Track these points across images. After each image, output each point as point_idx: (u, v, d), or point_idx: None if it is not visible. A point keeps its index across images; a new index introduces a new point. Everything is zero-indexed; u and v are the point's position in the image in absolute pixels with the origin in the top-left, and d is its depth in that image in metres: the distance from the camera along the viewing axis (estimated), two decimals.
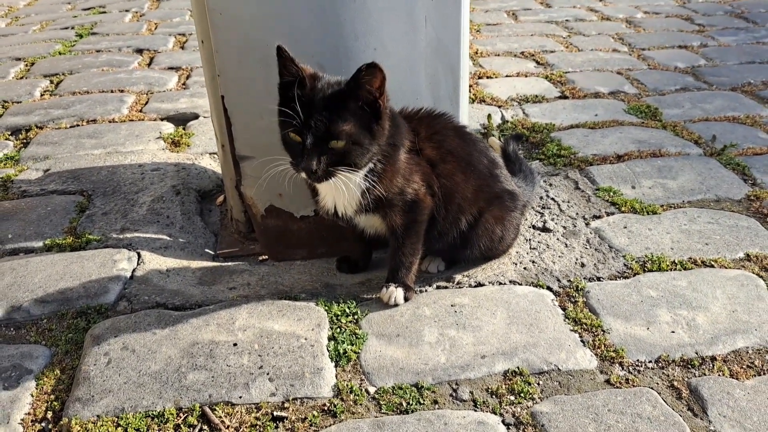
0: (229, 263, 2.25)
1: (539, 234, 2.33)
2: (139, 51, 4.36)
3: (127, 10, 5.43)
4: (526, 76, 3.85)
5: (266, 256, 2.34)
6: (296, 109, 1.61)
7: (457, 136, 1.98)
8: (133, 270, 2.11)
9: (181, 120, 3.31)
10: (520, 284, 2.04)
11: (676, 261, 2.13)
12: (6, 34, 4.97)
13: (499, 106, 3.43)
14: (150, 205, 2.48)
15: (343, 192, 1.79)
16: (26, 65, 4.16)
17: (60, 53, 4.36)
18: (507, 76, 3.87)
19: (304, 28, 1.97)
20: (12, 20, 5.44)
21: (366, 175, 1.75)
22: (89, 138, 3.08)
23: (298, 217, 2.27)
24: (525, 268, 2.13)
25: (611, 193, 2.57)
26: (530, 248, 2.25)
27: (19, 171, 2.79)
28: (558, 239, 2.30)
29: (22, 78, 3.95)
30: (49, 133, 3.17)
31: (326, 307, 1.91)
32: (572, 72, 3.88)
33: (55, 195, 2.56)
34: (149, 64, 4.13)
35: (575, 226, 2.37)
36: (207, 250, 2.34)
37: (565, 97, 3.54)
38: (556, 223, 2.39)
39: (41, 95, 3.66)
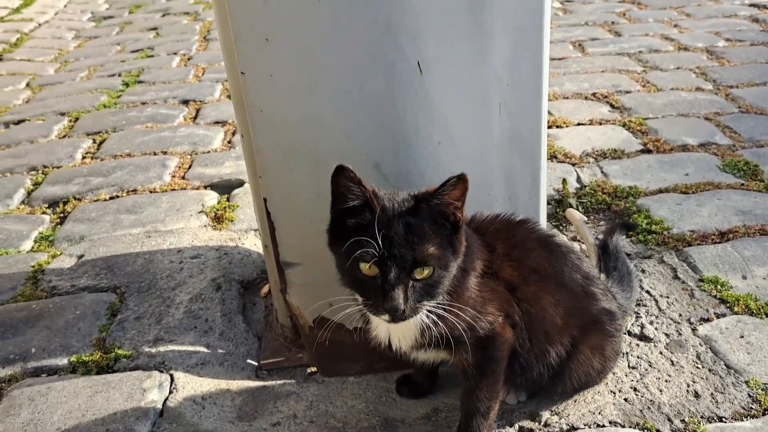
0: (274, 382, 1.96)
1: (637, 345, 1.96)
2: (185, 102, 4.16)
3: (174, 53, 5.28)
4: (601, 124, 3.46)
5: (315, 369, 2.04)
6: (374, 236, 1.32)
7: (542, 249, 1.64)
8: (165, 400, 1.84)
9: (226, 188, 3.07)
10: (623, 426, 1.67)
11: None
12: (54, 82, 4.87)
13: (573, 164, 3.05)
14: (187, 306, 2.22)
15: (399, 325, 1.48)
16: (70, 121, 4.01)
17: (105, 106, 4.20)
18: (579, 124, 3.49)
19: (358, 126, 1.68)
20: (61, 65, 5.35)
21: (428, 309, 1.43)
22: (128, 213, 2.87)
23: (352, 329, 1.97)
24: (626, 399, 1.76)
25: (718, 286, 2.17)
26: (629, 367, 1.88)
27: (52, 257, 2.58)
28: (662, 353, 1.92)
29: (64, 137, 3.80)
30: (86, 206, 2.97)
31: None
32: (653, 118, 3.47)
33: (87, 293, 2.33)
34: (194, 118, 3.92)
35: (680, 334, 1.99)
36: (249, 361, 2.06)
37: (649, 151, 3.13)
38: (656, 329, 2.02)
39: (82, 158, 3.49)
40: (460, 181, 1.34)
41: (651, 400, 1.75)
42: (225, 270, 2.40)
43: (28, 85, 4.87)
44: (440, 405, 1.82)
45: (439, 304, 1.42)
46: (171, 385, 1.90)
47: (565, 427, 1.68)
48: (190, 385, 1.90)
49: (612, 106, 3.68)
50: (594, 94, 3.83)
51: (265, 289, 2.39)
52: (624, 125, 3.41)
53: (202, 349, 2.06)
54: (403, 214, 1.37)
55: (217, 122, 3.81)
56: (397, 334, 1.54)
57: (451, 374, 1.91)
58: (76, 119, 4.03)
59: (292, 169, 1.74)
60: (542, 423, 1.70)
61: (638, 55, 4.47)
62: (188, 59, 5.10)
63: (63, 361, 2.02)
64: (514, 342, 1.59)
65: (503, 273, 1.57)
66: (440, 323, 1.44)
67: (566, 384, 1.69)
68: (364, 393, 1.90)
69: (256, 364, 2.05)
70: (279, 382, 1.97)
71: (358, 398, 1.88)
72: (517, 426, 1.71)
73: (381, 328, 1.57)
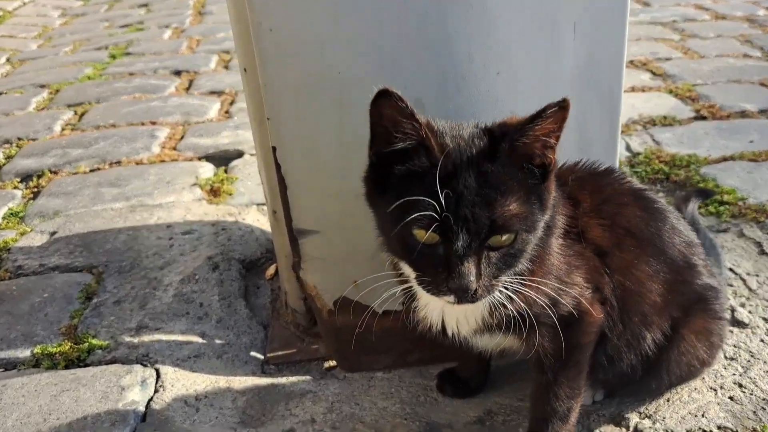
0: (284, 378, 1.59)
1: (731, 331, 1.59)
2: (177, 73, 3.78)
3: (166, 26, 4.89)
4: (644, 91, 3.09)
5: (334, 362, 1.67)
6: (434, 192, 0.95)
7: (637, 205, 1.27)
8: (149, 401, 1.46)
9: (223, 159, 2.69)
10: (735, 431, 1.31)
11: None
12: (35, 57, 4.49)
13: (621, 132, 2.68)
14: (178, 288, 1.84)
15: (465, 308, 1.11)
16: (50, 93, 3.62)
17: (89, 78, 3.81)
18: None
19: (396, 49, 1.30)
20: (45, 41, 4.97)
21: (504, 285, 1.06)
22: (110, 186, 2.48)
23: (381, 313, 1.59)
24: (732, 398, 1.39)
25: None
26: (727, 358, 1.51)
27: (21, 234, 2.20)
28: (763, 341, 1.56)
29: (43, 109, 3.41)
30: (63, 179, 2.58)
31: None
32: (702, 84, 3.10)
33: (57, 273, 1.95)
34: (188, 89, 3.54)
35: None
36: (253, 354, 1.69)
37: (703, 118, 2.77)
38: (750, 312, 1.65)
39: (62, 130, 3.10)
40: (561, 109, 0.96)
41: (764, 398, 1.38)
42: (223, 247, 2.03)
43: (8, 60, 4.48)
44: (494, 406, 1.45)
45: (518, 274, 1.05)
46: (157, 383, 1.52)
47: None
48: (181, 382, 1.53)
49: (653, 73, 3.31)
50: (632, 62, 3.46)
51: (271, 270, 2.02)
52: (670, 92, 3.04)
53: (196, 338, 1.68)
54: (474, 159, 0.99)
55: (213, 92, 3.43)
56: (455, 315, 1.17)
57: (503, 368, 1.54)
58: (57, 91, 3.64)
59: (308, 108, 1.36)
60: (631, 429, 1.33)
61: (672, 24, 4.10)
62: (181, 32, 4.72)
63: (24, 353, 1.64)
64: (604, 323, 1.22)
65: (591, 234, 1.20)
66: (516, 299, 1.06)
67: (662, 378, 1.32)
68: (397, 392, 1.53)
69: (262, 357, 1.68)
70: (291, 378, 1.59)
71: (390, 398, 1.50)
72: None
73: (432, 306, 1.19)
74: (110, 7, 5.93)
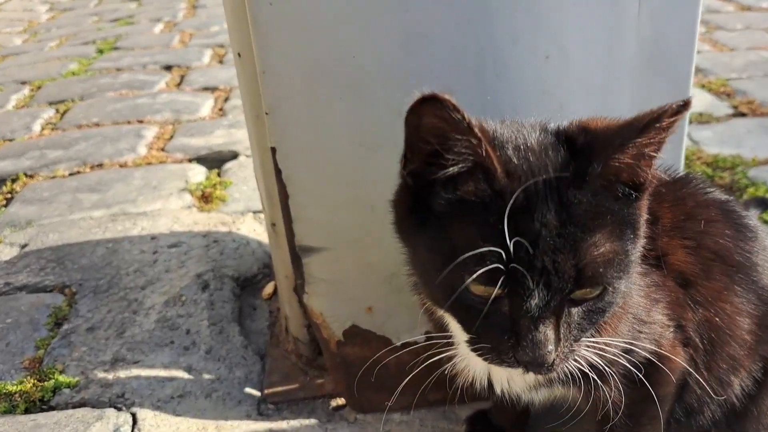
0: (285, 422, 1.35)
1: None
2: (168, 68, 3.53)
3: (158, 20, 4.63)
4: None
5: (342, 401, 1.42)
6: (500, 233, 0.70)
7: (724, 222, 1.02)
8: None
9: (216, 161, 2.43)
10: None
11: None
12: (19, 52, 4.23)
13: None
14: (161, 312, 1.59)
15: None
16: (31, 90, 3.37)
17: (74, 74, 3.56)
18: None
19: (426, 30, 1.05)
20: (30, 36, 4.71)
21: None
22: (90, 192, 2.23)
23: (399, 345, 1.35)
24: None
25: None
26: None
27: None
28: None
29: (23, 107, 3.16)
30: (39, 184, 2.33)
31: None
32: (737, 79, 2.85)
33: (25, 293, 1.70)
34: (179, 84, 3.29)
35: None
36: (248, 390, 1.44)
37: (742, 115, 2.53)
38: None
39: (41, 129, 2.85)
40: (680, 113, 0.70)
41: None
42: (214, 263, 1.78)
43: None
44: None
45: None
46: (133, 430, 1.27)
47: None
48: (162, 430, 1.28)
49: None
50: None
51: (269, 288, 1.77)
52: (703, 87, 2.80)
53: (181, 374, 1.43)
54: (554, 184, 0.73)
55: (206, 88, 3.18)
56: (506, 371, 0.92)
57: (545, 413, 1.29)
58: (39, 88, 3.38)
59: (315, 101, 1.12)
60: None
61: None
62: (173, 25, 4.46)
63: None
64: (686, 370, 0.97)
65: (674, 258, 0.95)
66: (590, 351, 0.81)
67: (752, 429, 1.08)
68: None
69: (259, 394, 1.43)
70: (292, 422, 1.35)
71: None
72: None
73: (474, 361, 0.94)
74: (100, 2, 5.67)
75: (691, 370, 0.98)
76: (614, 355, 0.86)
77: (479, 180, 0.72)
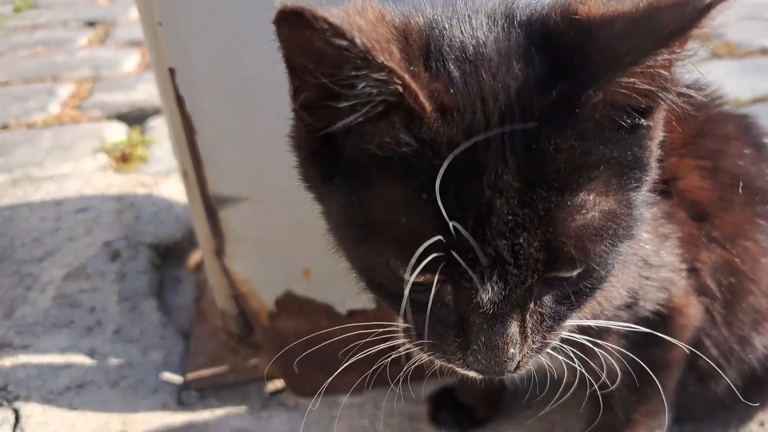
0: (209, 412, 1.12)
1: None
2: (91, 24, 3.19)
3: None
4: None
5: (282, 384, 1.19)
6: (434, 204, 0.46)
7: (744, 140, 0.81)
8: None
9: (138, 119, 2.15)
10: None
11: None
12: None
13: None
14: (60, 287, 1.33)
15: None
16: None
17: None
18: None
19: None
20: None
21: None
22: None
23: (344, 314, 1.12)
24: None
25: None
26: None
27: None
28: None
29: None
30: None
31: None
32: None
33: None
34: (103, 42, 2.96)
35: None
36: (167, 376, 1.20)
37: (719, 57, 2.37)
38: None
39: None
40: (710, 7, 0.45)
41: None
42: (128, 229, 1.51)
43: None
44: None
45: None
46: (14, 430, 1.02)
47: None
48: (52, 427, 1.03)
49: None
50: None
51: (197, 257, 1.52)
52: None
53: (81, 359, 1.18)
54: (519, 123, 0.48)
55: (131, 43, 2.86)
56: None
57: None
58: None
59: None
60: None
61: None
62: None
63: None
64: (700, 325, 0.77)
65: (686, 182, 0.74)
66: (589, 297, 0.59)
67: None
68: (372, 425, 1.06)
69: (180, 380, 1.19)
70: (218, 411, 1.12)
71: None
72: None
73: None
74: None
75: (706, 325, 0.77)
76: (614, 306, 0.65)
77: (397, 128, 0.48)
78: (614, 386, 0.74)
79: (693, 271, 0.74)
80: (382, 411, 1.11)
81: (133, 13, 3.30)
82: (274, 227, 1.04)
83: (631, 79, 0.48)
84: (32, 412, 1.06)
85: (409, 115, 0.48)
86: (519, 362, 0.53)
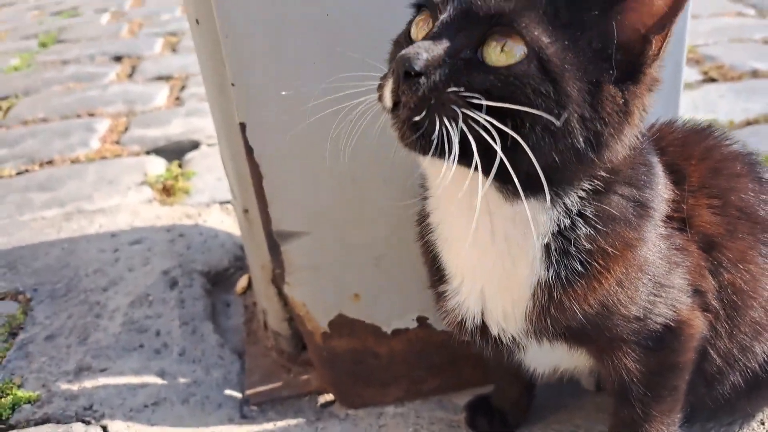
0: (271, 424, 1.25)
1: None
2: (118, 58, 3.35)
3: (104, 10, 4.42)
4: None
5: (331, 397, 1.33)
6: None
7: (749, 177, 0.95)
8: None
9: (175, 152, 2.30)
10: None
11: None
12: None
13: None
14: (127, 314, 1.47)
15: (503, 251, 0.78)
16: None
17: (15, 69, 3.35)
18: None
19: None
20: None
21: (560, 215, 0.75)
22: (40, 190, 2.07)
23: (389, 333, 1.26)
24: None
25: None
26: None
27: None
28: None
29: None
30: None
31: None
32: (704, 45, 2.83)
33: None
34: (130, 75, 3.12)
35: None
36: (228, 392, 1.33)
37: (713, 80, 2.50)
38: None
39: None
40: None
41: None
42: (181, 258, 1.65)
43: None
44: None
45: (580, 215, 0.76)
46: None
47: None
48: None
49: None
50: None
51: (243, 281, 1.66)
52: None
53: (154, 379, 1.31)
54: None
55: (160, 77, 3.02)
56: (498, 300, 0.83)
57: (549, 389, 1.22)
58: None
59: (286, 65, 1.01)
60: None
61: None
62: (121, 15, 4.26)
63: None
64: (705, 336, 0.90)
65: (699, 220, 0.88)
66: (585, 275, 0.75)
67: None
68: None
69: (240, 395, 1.32)
70: (279, 423, 1.25)
71: None
72: None
73: (467, 286, 0.85)
74: None
75: (710, 336, 0.91)
76: (621, 312, 0.80)
77: None
78: (632, 384, 0.88)
79: (698, 292, 0.88)
80: (423, 419, 1.24)
81: (157, 47, 3.47)
82: (328, 257, 1.18)
83: None
84: (118, 428, 1.20)
85: None
86: (421, 68, 0.63)
